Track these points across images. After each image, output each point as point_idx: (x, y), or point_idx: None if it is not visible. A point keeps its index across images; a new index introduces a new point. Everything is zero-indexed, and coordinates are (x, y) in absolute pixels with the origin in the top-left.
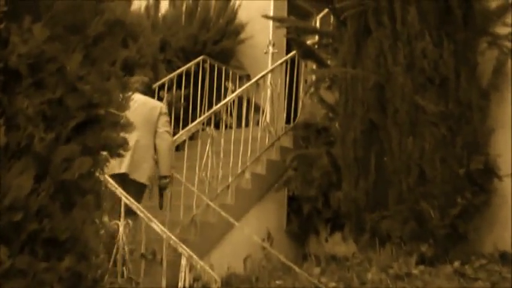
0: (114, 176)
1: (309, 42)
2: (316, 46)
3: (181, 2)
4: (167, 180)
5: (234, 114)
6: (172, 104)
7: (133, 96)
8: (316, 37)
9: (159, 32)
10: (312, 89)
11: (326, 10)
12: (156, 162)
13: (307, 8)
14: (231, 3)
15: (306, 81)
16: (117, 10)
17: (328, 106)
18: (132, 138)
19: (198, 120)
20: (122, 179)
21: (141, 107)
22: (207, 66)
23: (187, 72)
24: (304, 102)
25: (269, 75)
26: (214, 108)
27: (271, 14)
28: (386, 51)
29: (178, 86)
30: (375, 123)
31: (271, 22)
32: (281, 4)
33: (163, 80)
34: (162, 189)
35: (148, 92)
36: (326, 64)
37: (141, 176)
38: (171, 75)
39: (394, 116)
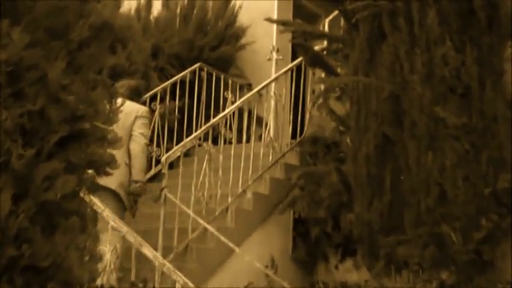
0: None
1: (316, 47)
2: (324, 52)
3: (176, 3)
4: (138, 185)
5: (234, 128)
6: (166, 116)
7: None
8: (325, 42)
9: (151, 36)
10: (321, 100)
11: (336, 12)
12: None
13: (314, 10)
14: (231, 4)
15: (313, 91)
16: (105, 12)
17: (338, 118)
18: None
19: (194, 134)
20: (97, 193)
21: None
22: (204, 74)
23: (182, 81)
24: (312, 114)
25: (273, 85)
26: (212, 121)
27: (275, 16)
28: (402, 57)
29: (172, 97)
30: (390, 137)
31: (275, 26)
32: (286, 6)
33: (155, 90)
34: (134, 196)
35: (136, 96)
36: (336, 72)
37: (110, 181)
38: (164, 84)
39: (411, 129)
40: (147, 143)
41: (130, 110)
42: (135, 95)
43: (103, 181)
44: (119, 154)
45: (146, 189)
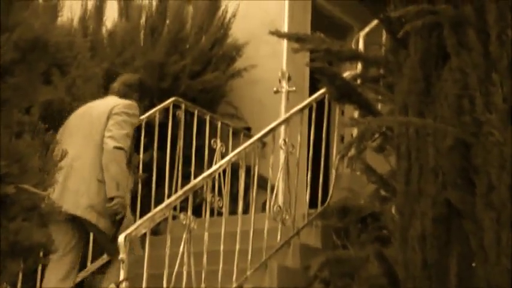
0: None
1: (346, 74)
2: (358, 81)
3: (139, 10)
4: (113, 203)
5: (226, 192)
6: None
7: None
8: (359, 66)
9: (103, 58)
10: (353, 151)
11: (374, 23)
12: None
13: (343, 19)
14: (221, 10)
15: (342, 137)
16: (36, 24)
17: (378, 179)
18: (67, 158)
19: (166, 202)
20: (76, 223)
21: (87, 113)
22: (181, 113)
23: (149, 124)
24: (340, 172)
25: (282, 129)
26: (193, 182)
27: (285, 28)
28: (474, 88)
29: (135, 147)
30: (457, 206)
31: (285, 42)
32: (301, 13)
33: None
34: (113, 217)
35: (133, 94)
36: (375, 110)
37: (75, 206)
38: None
39: (487, 195)
40: (120, 145)
41: (103, 110)
42: (132, 92)
43: (66, 205)
44: (87, 171)
45: (125, 206)
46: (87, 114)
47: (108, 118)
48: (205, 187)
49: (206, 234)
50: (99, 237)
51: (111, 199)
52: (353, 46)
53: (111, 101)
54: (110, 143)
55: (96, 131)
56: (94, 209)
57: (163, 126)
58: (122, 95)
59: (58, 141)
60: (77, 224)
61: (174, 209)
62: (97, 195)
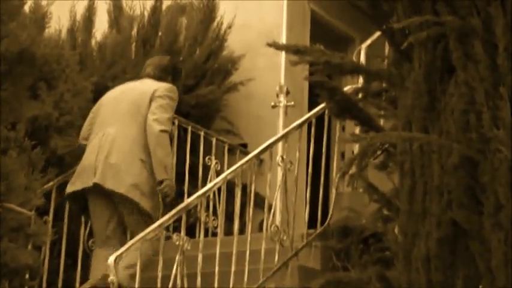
0: (93, 195)
1: (347, 88)
2: (360, 95)
3: (130, 21)
4: (163, 186)
5: (221, 211)
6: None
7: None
8: (360, 80)
9: (93, 71)
10: (354, 169)
11: (376, 34)
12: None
13: (344, 30)
14: (216, 21)
15: (342, 154)
16: (22, 35)
17: (381, 198)
18: (110, 133)
19: (158, 221)
20: (108, 197)
21: (126, 93)
22: (175, 129)
23: None
24: (340, 191)
25: (279, 146)
26: (187, 201)
27: (283, 39)
28: (481, 102)
29: None
30: (463, 226)
31: (283, 54)
32: (300, 24)
33: None
34: (164, 199)
35: (166, 76)
36: (377, 126)
37: (119, 184)
38: None
39: (495, 214)
40: (165, 129)
41: (145, 90)
42: (166, 75)
43: (109, 184)
44: (129, 149)
45: (174, 188)
46: (126, 94)
47: (150, 100)
48: (199, 206)
49: (200, 255)
50: (132, 219)
51: (161, 182)
52: (354, 59)
53: (152, 84)
54: (156, 127)
55: (138, 112)
56: (137, 188)
57: None
58: (157, 78)
59: (93, 121)
60: (116, 204)
61: (167, 229)
62: (139, 175)
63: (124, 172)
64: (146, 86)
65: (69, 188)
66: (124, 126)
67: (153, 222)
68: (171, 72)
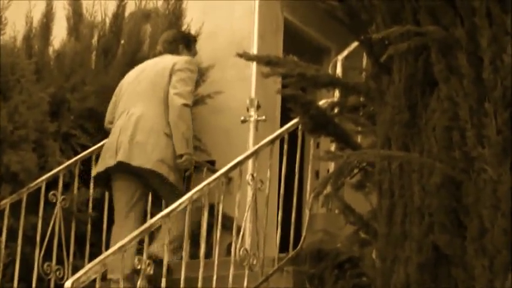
0: (117, 174)
1: (322, 102)
2: (336, 110)
3: (90, 28)
4: (183, 159)
5: (186, 233)
6: (73, 213)
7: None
8: (337, 93)
9: (50, 81)
10: (329, 189)
11: (354, 45)
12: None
13: (319, 41)
14: (184, 27)
15: (317, 173)
16: None
17: (358, 220)
18: (133, 113)
19: (118, 244)
20: (132, 174)
21: (145, 71)
22: None
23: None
24: (314, 212)
25: (249, 163)
26: (150, 221)
27: (254, 50)
28: (464, 119)
29: (84, 182)
30: (445, 251)
31: (254, 65)
32: (273, 33)
33: (54, 171)
34: (182, 173)
35: (175, 47)
36: (354, 143)
37: (145, 160)
38: (70, 161)
39: (479, 239)
40: (187, 102)
41: (165, 65)
42: (176, 47)
43: (136, 161)
44: (153, 125)
45: (193, 162)
46: (146, 72)
47: (170, 74)
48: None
49: (164, 280)
50: (165, 191)
51: (181, 156)
52: (330, 71)
53: (171, 58)
54: (177, 100)
55: (160, 87)
56: (165, 162)
57: None
58: (168, 52)
59: (116, 104)
60: (142, 179)
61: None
62: (166, 148)
63: (150, 148)
64: (165, 60)
65: (94, 172)
66: (147, 104)
67: (182, 195)
68: (182, 42)
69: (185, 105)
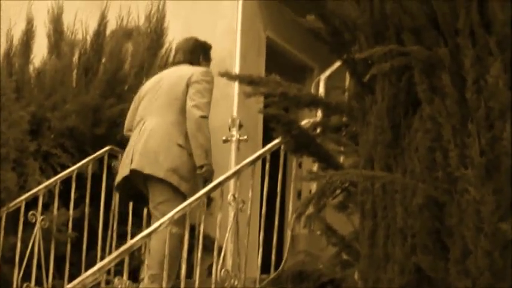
0: (136, 181)
1: (304, 122)
2: (318, 130)
3: (71, 46)
4: (203, 170)
5: (166, 254)
6: (52, 233)
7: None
8: (319, 113)
9: (30, 100)
10: (311, 209)
11: (336, 64)
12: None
13: (302, 60)
14: (165, 46)
15: (299, 193)
16: None
17: (340, 241)
18: (148, 123)
19: (99, 264)
20: (145, 185)
21: (162, 81)
22: (117, 164)
23: (81, 176)
24: (296, 233)
25: (231, 183)
26: (130, 242)
27: (236, 69)
28: (448, 139)
29: (63, 202)
30: (428, 273)
31: (235, 85)
32: (255, 52)
33: (34, 191)
34: (204, 183)
35: (196, 57)
36: (337, 163)
37: (157, 168)
38: (50, 181)
39: (462, 261)
40: (204, 114)
41: (181, 74)
42: (197, 57)
43: (148, 169)
44: (166, 135)
45: (213, 172)
46: (163, 82)
47: (187, 85)
48: (143, 248)
49: None
50: (174, 202)
51: (201, 167)
52: (313, 90)
53: (187, 69)
54: (195, 113)
55: (175, 97)
56: (176, 172)
57: (96, 178)
58: (189, 62)
59: (134, 112)
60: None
61: (108, 272)
62: (178, 158)
63: (162, 157)
64: (182, 71)
65: (116, 182)
66: (162, 114)
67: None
68: (201, 52)
69: (203, 117)
